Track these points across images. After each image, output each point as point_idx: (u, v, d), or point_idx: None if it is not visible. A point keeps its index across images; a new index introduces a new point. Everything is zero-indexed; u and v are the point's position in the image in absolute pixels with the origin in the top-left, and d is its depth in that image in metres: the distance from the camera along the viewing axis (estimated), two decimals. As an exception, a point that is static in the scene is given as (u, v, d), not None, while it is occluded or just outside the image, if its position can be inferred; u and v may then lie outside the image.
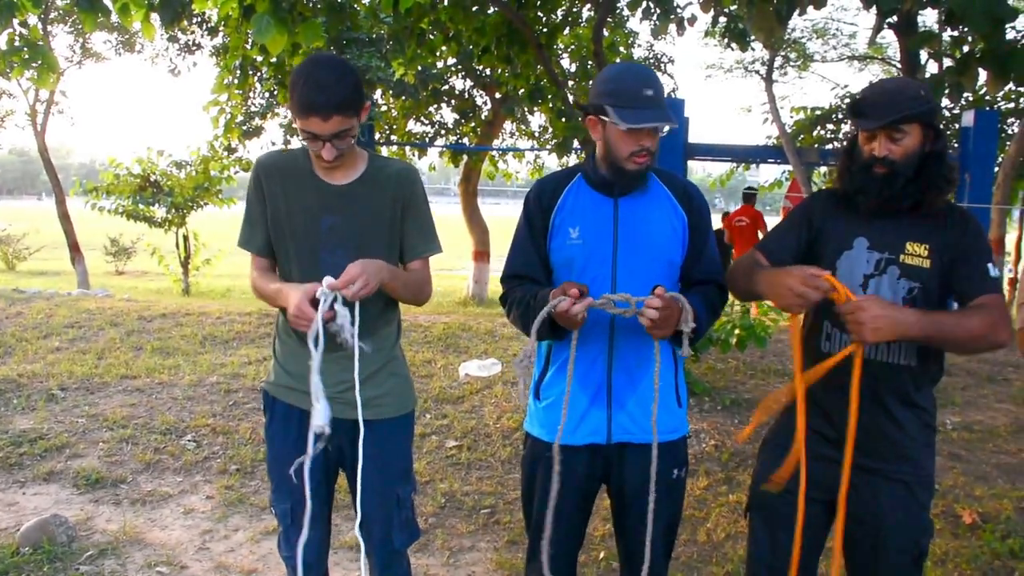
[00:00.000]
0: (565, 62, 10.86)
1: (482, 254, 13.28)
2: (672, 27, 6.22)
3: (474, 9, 6.30)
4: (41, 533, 3.39)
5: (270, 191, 2.17)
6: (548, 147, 12.33)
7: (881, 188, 1.97)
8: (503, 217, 22.89)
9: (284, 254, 2.19)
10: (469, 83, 12.53)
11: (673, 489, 2.19)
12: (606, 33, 9.69)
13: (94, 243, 18.29)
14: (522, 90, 7.89)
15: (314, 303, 1.99)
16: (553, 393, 2.17)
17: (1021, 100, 11.23)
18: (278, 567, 3.28)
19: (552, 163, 13.20)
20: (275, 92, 9.30)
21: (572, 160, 10.07)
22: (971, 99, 10.33)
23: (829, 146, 11.57)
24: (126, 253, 19.20)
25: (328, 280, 1.97)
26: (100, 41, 16.40)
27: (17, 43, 4.14)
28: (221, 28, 10.39)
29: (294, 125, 2.18)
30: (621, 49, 11.42)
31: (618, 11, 10.48)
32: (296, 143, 11.75)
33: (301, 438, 2.22)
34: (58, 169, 15.57)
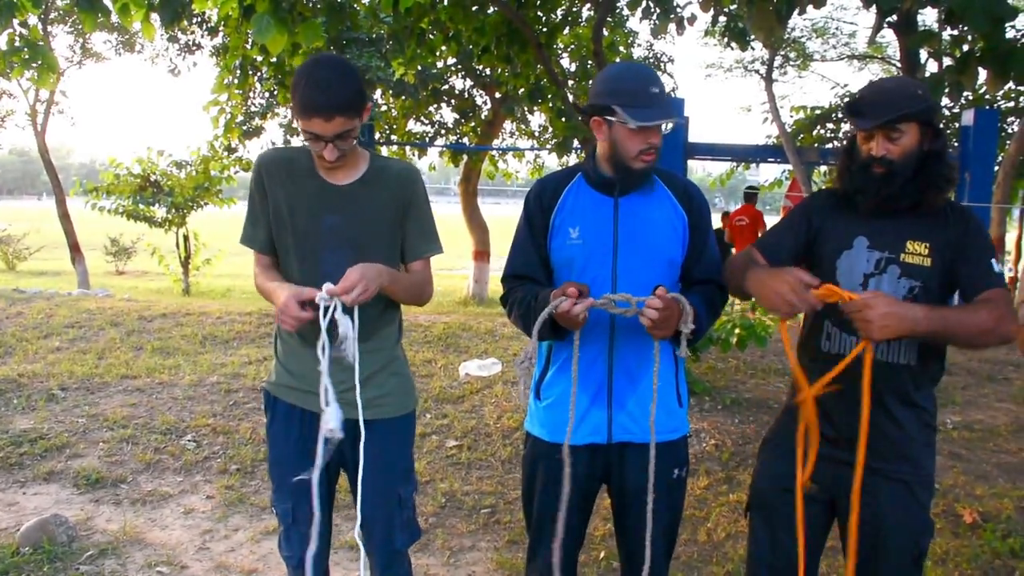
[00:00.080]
0: (565, 62, 10.86)
1: (482, 254, 13.28)
2: (672, 26, 6.22)
3: (474, 9, 6.30)
4: (41, 533, 3.39)
5: (272, 189, 2.17)
6: (548, 147, 12.33)
7: (879, 187, 1.97)
8: (503, 217, 22.89)
9: (285, 252, 2.19)
10: (469, 83, 12.53)
11: (674, 489, 2.19)
12: (606, 33, 9.68)
13: (94, 243, 18.29)
14: (522, 90, 7.88)
15: (314, 307, 2.00)
16: (554, 393, 2.17)
17: (1021, 99, 11.23)
18: (279, 567, 3.28)
19: (552, 163, 13.21)
20: (275, 92, 9.30)
21: (572, 160, 10.07)
22: (971, 98, 10.33)
23: (829, 145, 11.57)
24: (126, 253, 19.20)
25: (327, 286, 1.97)
26: (100, 41, 16.45)
27: (17, 43, 4.13)
28: (221, 28, 10.39)
29: (294, 125, 2.19)
30: (621, 49, 11.41)
31: (618, 11, 10.48)
32: (297, 142, 11.77)
33: (303, 438, 2.22)
34: (58, 169, 15.57)
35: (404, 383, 2.31)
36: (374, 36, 10.18)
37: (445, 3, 6.09)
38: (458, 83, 12.60)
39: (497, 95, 12.03)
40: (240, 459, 4.44)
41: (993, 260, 1.95)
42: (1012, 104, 11.31)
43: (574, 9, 8.21)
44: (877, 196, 1.99)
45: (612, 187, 2.11)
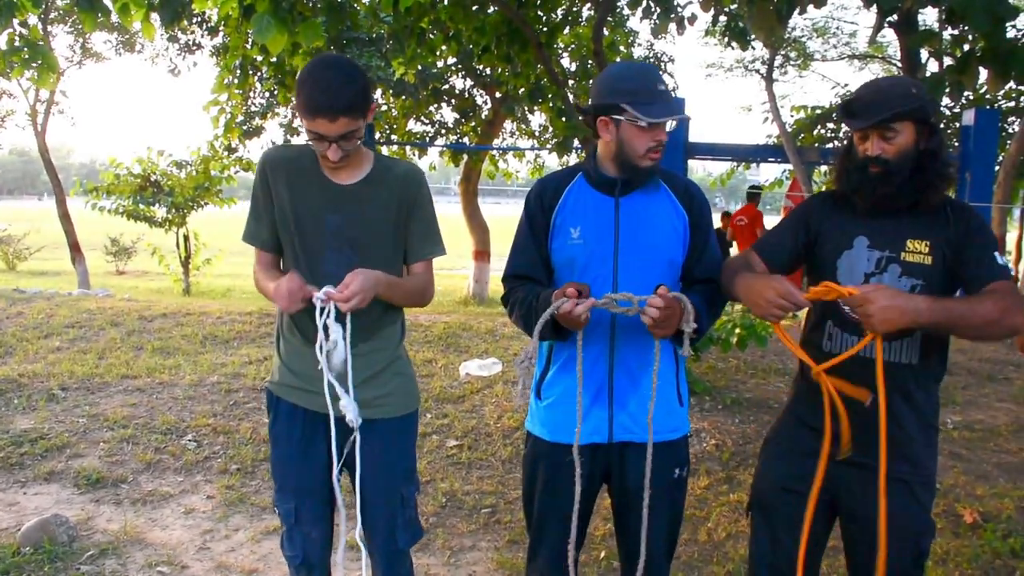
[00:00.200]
0: (565, 61, 10.85)
1: (482, 253, 13.28)
2: (672, 26, 6.21)
3: (474, 8, 6.29)
4: (42, 533, 3.39)
5: (276, 187, 2.17)
6: (548, 146, 12.33)
7: (876, 187, 1.97)
8: (503, 216, 22.88)
9: (290, 251, 2.20)
10: (469, 82, 12.52)
11: (674, 488, 2.19)
12: (606, 32, 9.68)
13: (94, 243, 18.29)
14: (522, 89, 7.87)
15: (311, 306, 2.02)
16: (554, 392, 2.17)
17: (1022, 99, 11.22)
18: (279, 567, 3.28)
19: (552, 162, 13.21)
20: (275, 92, 9.30)
21: (572, 159, 10.07)
22: (972, 98, 10.32)
23: (829, 145, 11.55)
24: (126, 253, 19.19)
25: (327, 290, 1.98)
26: (100, 41, 16.44)
27: (17, 43, 4.13)
28: (221, 28, 10.39)
29: (295, 124, 2.19)
30: (621, 48, 11.40)
31: (618, 10, 10.48)
32: (297, 142, 11.77)
33: (305, 437, 2.23)
34: (58, 169, 15.57)
35: (407, 383, 2.31)
36: (374, 36, 10.18)
37: (445, 3, 6.09)
38: (458, 83, 12.60)
39: (497, 95, 12.03)
40: (240, 459, 4.44)
41: (996, 253, 1.95)
42: (1013, 104, 11.30)
43: (574, 9, 8.21)
44: (874, 195, 1.99)
45: (613, 187, 2.11)
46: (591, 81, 8.77)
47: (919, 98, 1.95)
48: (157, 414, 5.05)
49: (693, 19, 6.37)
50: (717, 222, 11.40)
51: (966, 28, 3.94)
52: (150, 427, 4.83)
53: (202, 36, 13.34)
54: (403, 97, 11.50)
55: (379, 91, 11.23)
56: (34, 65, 4.16)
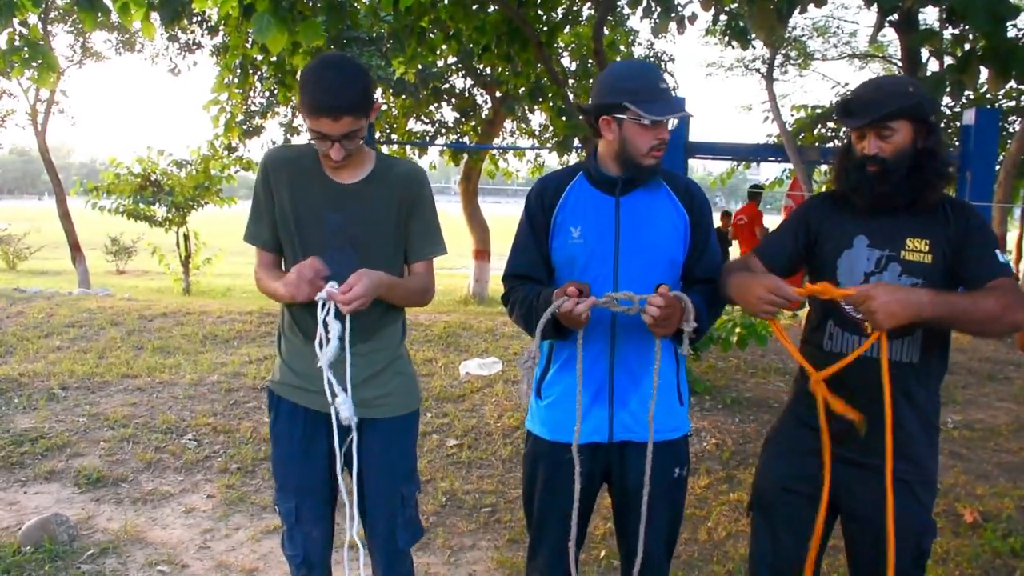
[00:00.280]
0: (565, 61, 10.85)
1: (483, 253, 13.28)
2: (672, 25, 6.21)
3: (474, 7, 6.29)
4: (42, 532, 3.39)
5: (277, 187, 2.17)
6: (548, 146, 12.32)
7: (874, 186, 1.97)
8: (504, 216, 22.89)
9: (290, 249, 2.20)
10: (469, 82, 12.52)
11: (674, 488, 2.19)
12: (606, 31, 9.68)
13: (95, 242, 18.29)
14: (522, 89, 7.88)
15: (314, 303, 2.02)
16: (555, 392, 2.17)
17: (1022, 98, 11.22)
18: (279, 566, 3.28)
19: (552, 162, 13.20)
20: (275, 91, 9.29)
21: (572, 159, 10.06)
22: (972, 97, 10.33)
23: (830, 144, 11.56)
24: (127, 252, 19.19)
25: (330, 289, 1.98)
26: (100, 40, 16.43)
27: (17, 42, 4.13)
28: (221, 27, 10.39)
29: (295, 124, 2.20)
30: (621, 48, 11.40)
31: (618, 9, 10.48)
32: (297, 142, 11.77)
33: (306, 437, 2.23)
34: (59, 169, 15.56)
35: (408, 382, 2.31)
36: (374, 35, 10.18)
37: (445, 2, 6.09)
38: (458, 82, 12.60)
39: (497, 94, 12.03)
40: (241, 458, 4.44)
41: (997, 251, 1.94)
42: (1013, 103, 11.30)
43: (575, 8, 8.21)
44: (872, 194, 1.99)
45: (614, 186, 2.11)
46: (591, 80, 8.77)
47: (916, 96, 1.94)
48: (157, 413, 5.05)
49: (693, 18, 6.37)
50: (716, 221, 11.41)
51: (967, 27, 3.94)
52: (150, 426, 4.83)
53: (202, 35, 13.35)
54: (403, 96, 11.50)
55: (379, 90, 11.22)
56: (34, 64, 4.16)
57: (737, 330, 5.36)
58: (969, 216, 1.98)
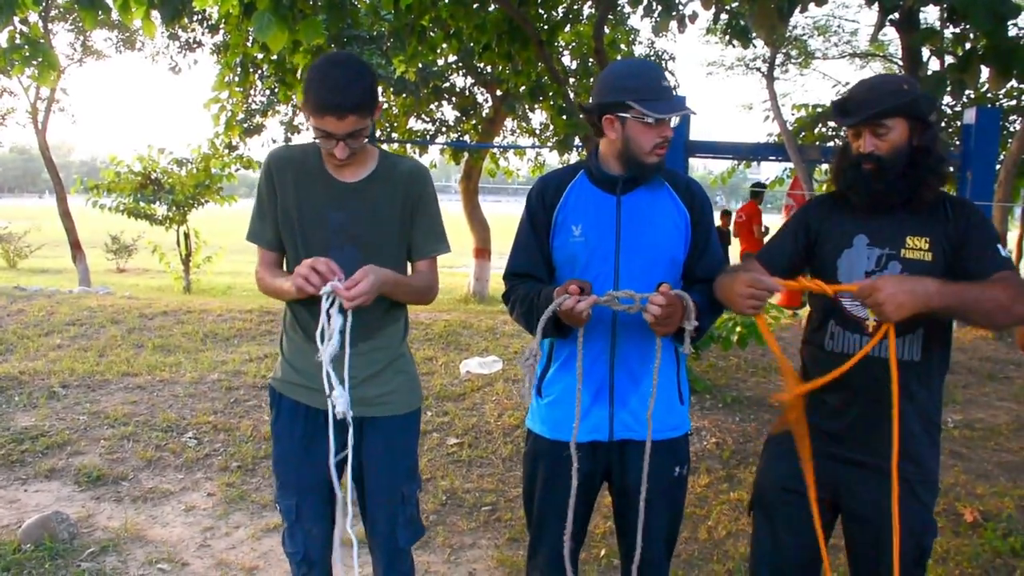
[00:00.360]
0: (566, 59, 10.86)
1: (483, 251, 13.28)
2: (673, 24, 6.21)
3: (475, 6, 6.30)
4: (42, 530, 3.39)
5: (281, 185, 2.17)
6: (549, 144, 12.33)
7: (870, 183, 1.98)
8: (504, 214, 22.90)
9: (293, 249, 2.20)
10: (470, 80, 12.52)
11: (675, 486, 2.19)
12: (607, 30, 9.68)
13: (95, 241, 18.29)
14: (523, 87, 7.89)
15: (315, 302, 2.02)
16: (555, 390, 2.17)
17: (1023, 97, 11.21)
18: (279, 564, 3.28)
19: (553, 160, 13.20)
20: (276, 89, 9.30)
21: (573, 157, 10.06)
22: (973, 96, 10.32)
23: (830, 143, 11.55)
24: (127, 251, 19.18)
25: (334, 284, 1.98)
26: (101, 39, 16.39)
27: (18, 41, 4.13)
28: (222, 25, 10.38)
29: (295, 122, 2.19)
30: (622, 46, 11.40)
31: (619, 8, 10.48)
32: (298, 140, 11.76)
33: (307, 435, 2.23)
34: (59, 167, 15.55)
35: (409, 381, 2.32)
36: (375, 33, 10.17)
37: (446, 0, 6.09)
38: (459, 81, 12.60)
39: (498, 93, 12.03)
40: (241, 456, 4.44)
41: (999, 245, 1.94)
42: (1014, 102, 11.30)
43: (575, 7, 8.21)
44: (869, 192, 1.99)
45: (615, 185, 2.11)
46: (592, 79, 8.77)
47: (910, 94, 1.94)
48: (158, 411, 5.05)
49: (694, 17, 6.37)
50: (716, 220, 11.44)
51: (968, 26, 3.94)
52: (151, 424, 4.84)
53: (203, 34, 13.35)
54: (404, 95, 11.49)
55: (380, 89, 11.22)
56: (35, 63, 4.16)
57: (738, 329, 5.36)
58: (969, 213, 1.98)
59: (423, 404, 2.45)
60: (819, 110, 12.38)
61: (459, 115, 13.15)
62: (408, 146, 12.86)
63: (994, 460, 4.73)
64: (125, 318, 7.37)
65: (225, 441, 4.66)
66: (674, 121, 2.04)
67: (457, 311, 9.12)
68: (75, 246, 13.98)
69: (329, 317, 2.00)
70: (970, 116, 6.14)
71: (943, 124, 11.23)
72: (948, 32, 4.54)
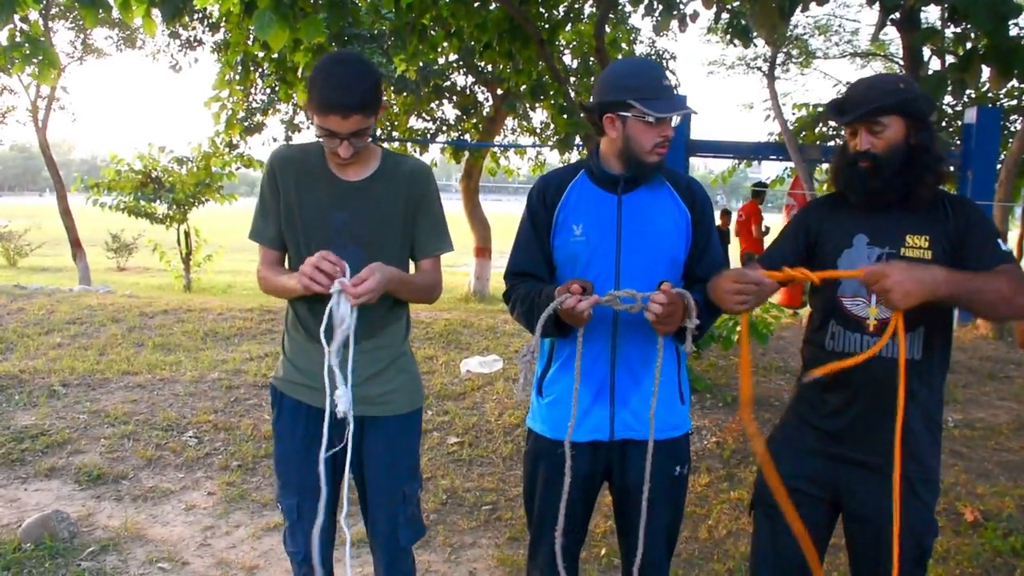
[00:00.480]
0: (567, 58, 10.85)
1: (483, 250, 13.28)
2: (674, 23, 6.21)
3: (476, 5, 6.29)
4: (43, 529, 3.39)
5: (284, 184, 2.17)
6: (550, 143, 12.32)
7: (866, 181, 1.98)
8: (505, 213, 22.89)
9: (295, 248, 2.20)
10: (471, 79, 12.52)
11: (675, 486, 2.19)
12: (608, 29, 9.67)
13: (95, 239, 18.29)
14: (524, 86, 7.87)
15: (317, 301, 2.01)
16: (556, 390, 2.17)
17: (1023, 97, 11.21)
18: (279, 563, 3.28)
19: (554, 159, 13.20)
20: (276, 88, 9.29)
21: (574, 156, 10.06)
22: (974, 96, 10.31)
23: (831, 143, 11.56)
24: (127, 249, 19.19)
25: (342, 280, 1.98)
26: (101, 37, 16.42)
27: (18, 39, 4.13)
28: (222, 24, 10.37)
29: (296, 121, 2.19)
30: (623, 45, 11.40)
31: (620, 7, 10.46)
32: (298, 139, 11.76)
33: (308, 435, 2.23)
34: (59, 165, 15.56)
35: (411, 380, 2.32)
36: (376, 32, 10.17)
37: (447, -1, 6.08)
38: (460, 79, 12.60)
39: (499, 91, 12.03)
40: (241, 455, 4.44)
41: (999, 240, 1.94)
42: (1015, 102, 11.29)
43: (576, 5, 8.20)
44: (865, 190, 1.99)
45: (616, 184, 2.11)
46: (593, 78, 8.77)
47: (905, 92, 1.95)
48: (158, 410, 5.05)
49: (695, 16, 6.37)
50: (716, 219, 11.46)
51: (968, 26, 3.93)
52: (151, 423, 4.84)
53: (203, 32, 13.34)
54: (404, 94, 11.49)
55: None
56: (35, 61, 4.15)
57: (738, 328, 5.36)
58: (969, 211, 1.98)
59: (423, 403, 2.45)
60: (820, 109, 12.38)
61: (460, 114, 13.15)
62: (408, 145, 12.86)
63: (994, 459, 4.73)
64: (125, 317, 7.37)
65: (225, 440, 4.66)
66: (675, 120, 2.04)
67: (458, 310, 9.12)
68: (75, 244, 13.98)
69: (333, 313, 2.00)
70: (971, 116, 6.15)
71: (944, 124, 11.23)
72: (949, 32, 4.54)
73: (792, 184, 11.37)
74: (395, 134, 12.59)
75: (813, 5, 4.36)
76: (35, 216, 27.55)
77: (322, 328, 2.01)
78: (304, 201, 2.15)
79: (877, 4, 3.77)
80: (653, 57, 12.77)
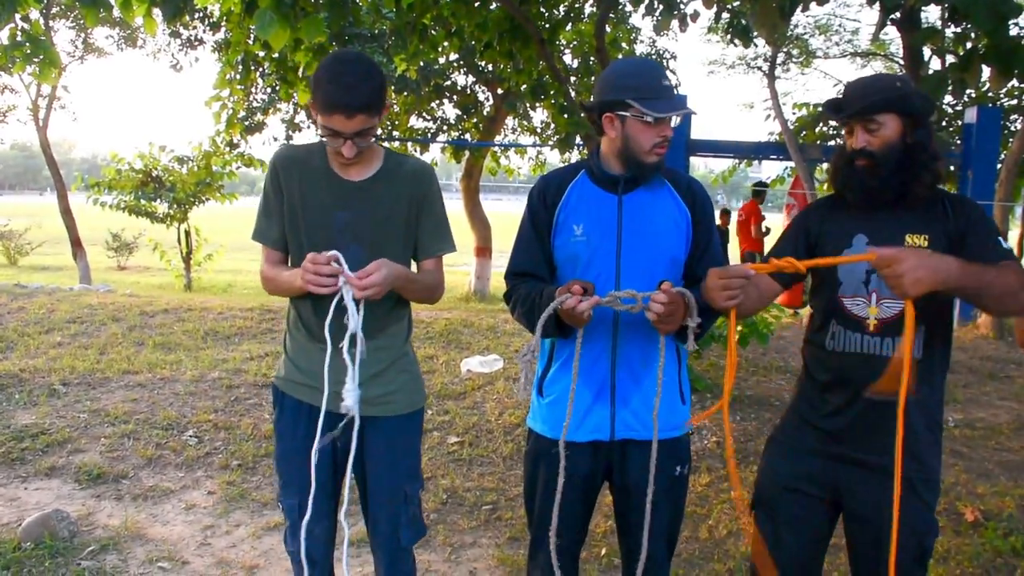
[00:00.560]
0: (567, 58, 10.85)
1: (484, 250, 13.28)
2: (675, 23, 6.21)
3: (476, 4, 6.29)
4: (43, 528, 3.39)
5: (287, 184, 2.17)
6: (550, 143, 12.32)
7: (863, 179, 1.98)
8: (505, 213, 22.89)
9: (297, 248, 2.20)
10: (471, 79, 12.51)
11: (676, 486, 2.19)
12: (608, 29, 9.67)
13: (96, 238, 18.29)
14: (524, 86, 7.87)
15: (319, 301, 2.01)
16: (556, 390, 2.17)
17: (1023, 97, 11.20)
18: (279, 562, 3.28)
19: (554, 159, 13.20)
20: (277, 87, 9.29)
21: (574, 156, 10.06)
22: (974, 96, 10.31)
23: (831, 143, 11.56)
24: (128, 248, 19.19)
25: (347, 273, 1.97)
26: (102, 36, 16.43)
27: (19, 38, 4.13)
28: (223, 23, 10.37)
29: (296, 120, 2.19)
30: (623, 45, 11.41)
31: (620, 7, 10.46)
32: (298, 138, 11.76)
33: (309, 435, 2.22)
34: (60, 164, 15.57)
35: (413, 381, 2.31)
36: (376, 32, 10.17)
37: (447, -1, 6.08)
38: (460, 79, 12.59)
39: (499, 91, 12.02)
40: (241, 455, 4.44)
41: (1000, 238, 1.94)
42: (1015, 102, 11.28)
43: (576, 5, 8.21)
44: (862, 188, 1.99)
45: (616, 184, 2.11)
46: (593, 78, 8.76)
47: (901, 90, 1.95)
48: (158, 410, 5.05)
49: (696, 16, 6.37)
50: (716, 219, 11.49)
51: (969, 26, 3.93)
52: (151, 423, 4.84)
53: (204, 31, 13.34)
54: (405, 93, 11.49)
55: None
56: (36, 60, 4.16)
57: (739, 328, 5.36)
58: (969, 210, 1.98)
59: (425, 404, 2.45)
60: (820, 109, 12.38)
61: (460, 113, 13.15)
62: (409, 144, 12.86)
63: (995, 459, 4.73)
64: (126, 316, 7.37)
65: (226, 439, 4.66)
66: (674, 120, 2.04)
67: (458, 309, 9.12)
68: (76, 243, 13.99)
69: (336, 309, 1.99)
70: (971, 115, 6.15)
71: (944, 123, 11.22)
72: (949, 31, 4.54)
73: (792, 184, 11.37)
74: (396, 133, 12.59)
75: (813, 5, 4.36)
76: (36, 215, 27.55)
77: (326, 323, 2.00)
78: (307, 201, 2.15)
79: (877, 4, 3.77)
80: (653, 57, 12.76)
